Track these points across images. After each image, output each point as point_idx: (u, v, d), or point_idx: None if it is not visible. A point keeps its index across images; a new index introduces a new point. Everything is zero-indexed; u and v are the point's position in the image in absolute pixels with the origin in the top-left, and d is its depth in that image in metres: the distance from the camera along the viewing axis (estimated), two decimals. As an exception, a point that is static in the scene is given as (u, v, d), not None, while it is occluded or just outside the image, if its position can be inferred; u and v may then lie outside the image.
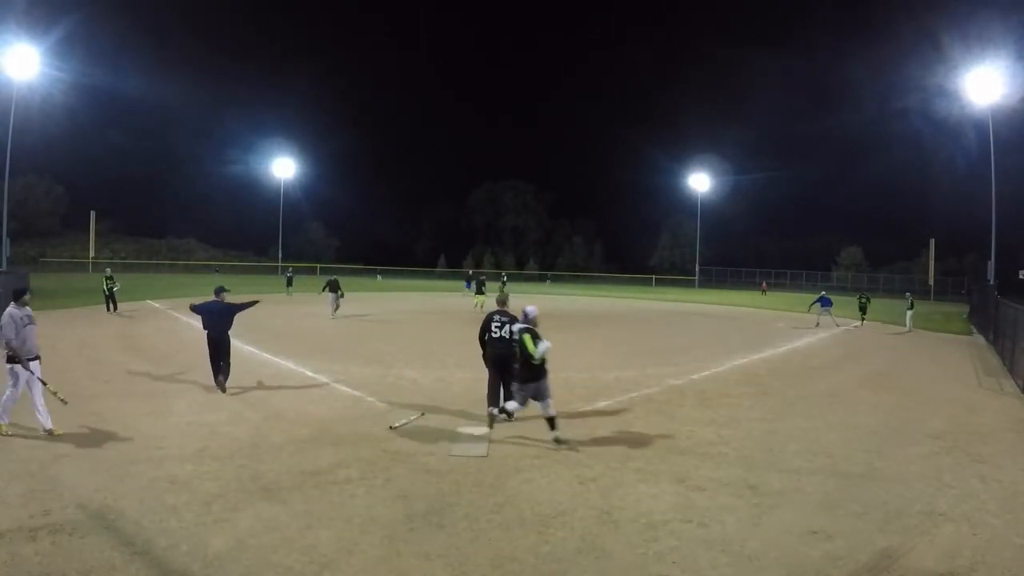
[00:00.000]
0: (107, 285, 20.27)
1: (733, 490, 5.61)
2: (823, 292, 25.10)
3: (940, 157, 55.50)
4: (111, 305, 20.19)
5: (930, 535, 4.77)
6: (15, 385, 6.68)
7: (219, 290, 9.59)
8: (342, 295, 21.54)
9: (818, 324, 22.11)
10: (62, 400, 6.82)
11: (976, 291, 29.30)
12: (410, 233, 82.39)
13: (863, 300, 23.44)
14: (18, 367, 6.65)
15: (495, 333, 7.53)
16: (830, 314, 22.39)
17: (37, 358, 6.84)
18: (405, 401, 8.69)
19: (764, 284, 52.77)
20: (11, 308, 6.79)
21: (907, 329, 21.40)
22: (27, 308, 6.93)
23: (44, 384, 6.78)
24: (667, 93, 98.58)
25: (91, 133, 61.92)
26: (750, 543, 4.53)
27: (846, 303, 26.73)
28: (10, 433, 6.63)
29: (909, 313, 21.80)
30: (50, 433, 6.63)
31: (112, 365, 11.01)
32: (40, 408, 6.67)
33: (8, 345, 6.62)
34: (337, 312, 20.88)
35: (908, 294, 23.64)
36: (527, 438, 7.05)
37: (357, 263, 67.80)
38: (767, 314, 28.72)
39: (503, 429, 7.20)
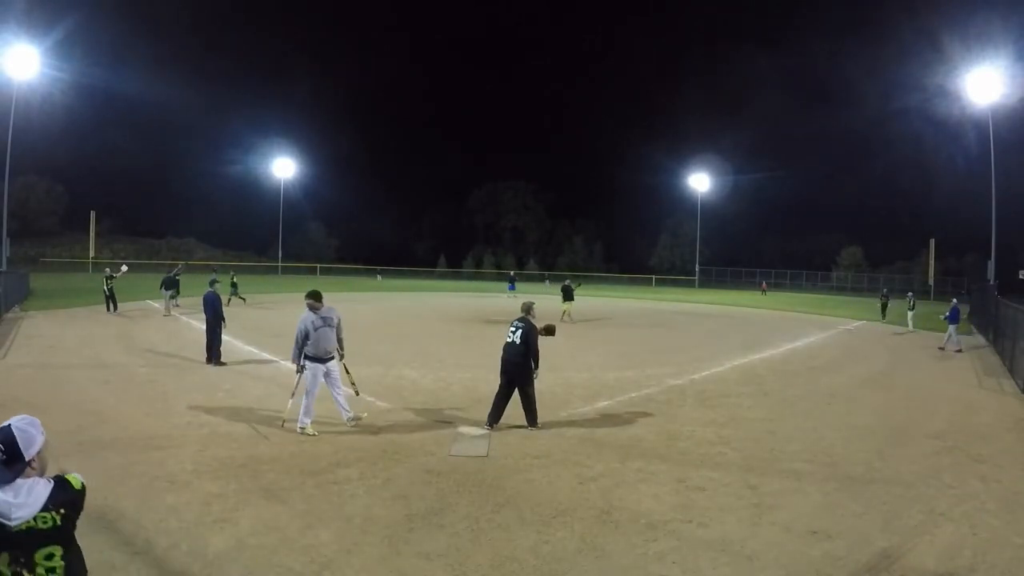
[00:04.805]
0: (107, 284, 20.08)
1: (733, 490, 5.61)
2: (954, 300, 18.37)
3: (940, 157, 55.68)
4: (111, 305, 20.08)
5: (930, 535, 4.77)
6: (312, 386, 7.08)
7: (212, 282, 12.52)
8: (176, 294, 21.14)
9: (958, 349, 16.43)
10: (356, 391, 7.91)
11: (976, 291, 29.30)
12: (410, 233, 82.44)
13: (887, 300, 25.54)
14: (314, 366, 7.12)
15: (508, 338, 7.32)
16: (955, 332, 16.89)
17: (332, 358, 7.27)
18: (405, 401, 8.69)
19: (764, 284, 52.80)
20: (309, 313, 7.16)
21: (909, 329, 21.40)
22: (326, 311, 7.24)
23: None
24: (667, 93, 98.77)
25: (91, 133, 62.11)
26: (750, 543, 4.53)
27: (860, 303, 26.79)
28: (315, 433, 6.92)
29: (910, 313, 21.77)
30: (356, 422, 7.32)
31: (112, 365, 11.00)
32: (340, 401, 7.26)
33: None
34: (171, 312, 20.06)
35: (910, 294, 23.53)
36: (527, 438, 7.06)
37: (357, 263, 67.82)
38: (767, 314, 28.72)
39: (503, 429, 7.22)
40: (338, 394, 7.24)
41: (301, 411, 7.00)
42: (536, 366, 7.33)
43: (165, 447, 6.40)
